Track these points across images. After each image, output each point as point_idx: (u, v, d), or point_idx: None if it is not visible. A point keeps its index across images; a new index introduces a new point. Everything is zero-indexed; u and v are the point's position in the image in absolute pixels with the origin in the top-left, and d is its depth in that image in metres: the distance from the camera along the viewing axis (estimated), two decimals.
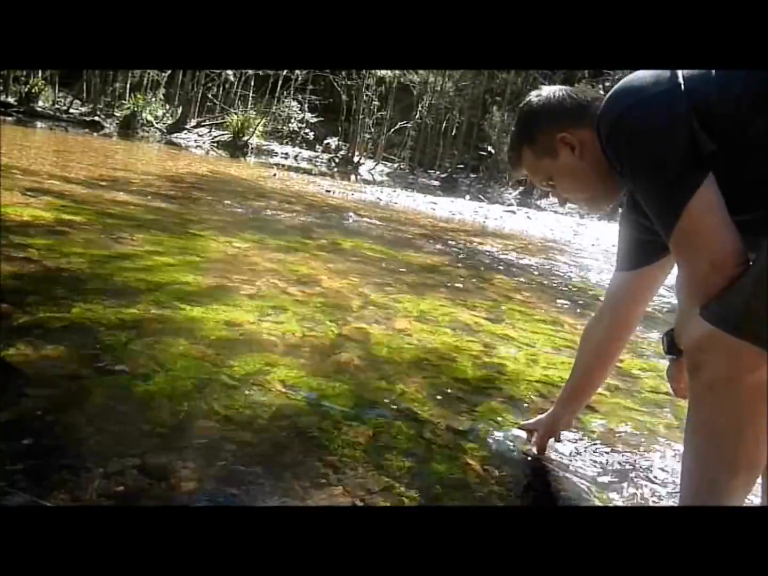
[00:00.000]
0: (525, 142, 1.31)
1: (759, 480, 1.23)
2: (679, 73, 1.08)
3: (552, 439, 1.64)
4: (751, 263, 1.04)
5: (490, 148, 22.88)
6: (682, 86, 1.07)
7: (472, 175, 23.37)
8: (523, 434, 1.69)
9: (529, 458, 1.61)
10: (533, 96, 1.32)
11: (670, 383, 1.30)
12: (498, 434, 1.71)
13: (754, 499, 1.35)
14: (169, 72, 22.58)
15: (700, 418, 1.10)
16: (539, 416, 1.66)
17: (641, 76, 1.12)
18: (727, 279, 1.03)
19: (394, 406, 1.76)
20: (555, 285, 4.46)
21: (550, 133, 1.26)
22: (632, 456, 1.70)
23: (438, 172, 23.74)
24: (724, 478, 1.07)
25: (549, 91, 1.31)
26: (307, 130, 25.29)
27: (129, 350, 1.81)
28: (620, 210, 1.43)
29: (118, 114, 20.62)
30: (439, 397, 1.89)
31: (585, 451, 1.69)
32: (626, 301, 1.43)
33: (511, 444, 1.67)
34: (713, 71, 1.07)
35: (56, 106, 20.12)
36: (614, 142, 1.14)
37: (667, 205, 1.08)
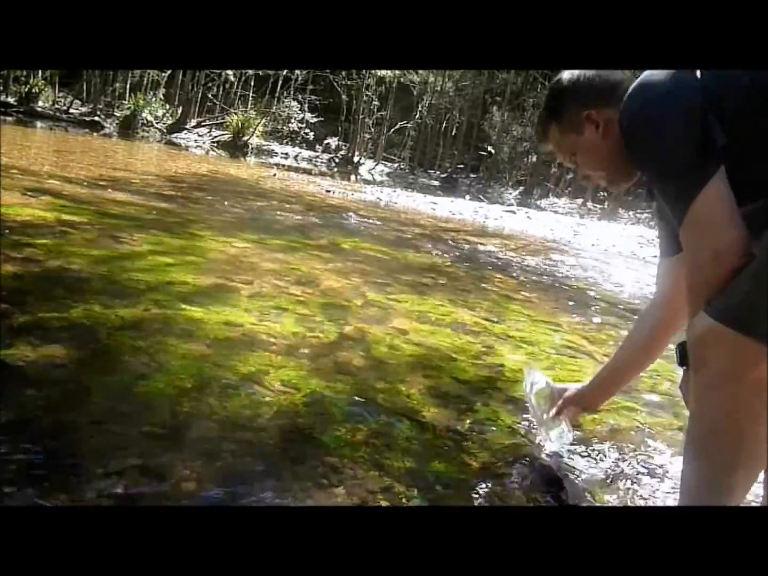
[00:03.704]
0: (552, 118, 1.35)
1: (760, 480, 1.23)
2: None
3: (568, 413, 1.60)
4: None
5: (490, 148, 22.88)
6: (698, 82, 1.09)
7: (472, 175, 23.37)
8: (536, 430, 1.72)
9: (529, 458, 1.61)
10: (564, 74, 1.35)
11: (682, 395, 1.29)
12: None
13: (754, 498, 1.35)
14: (169, 72, 22.56)
15: (701, 414, 1.10)
16: (573, 384, 1.64)
17: (660, 71, 1.15)
18: (729, 270, 1.04)
19: (394, 406, 1.76)
20: (555, 285, 4.46)
21: (576, 110, 1.30)
22: (632, 456, 1.70)
23: (438, 172, 23.73)
24: (724, 475, 1.07)
25: (579, 70, 1.33)
26: (307, 130, 25.26)
27: (129, 350, 1.81)
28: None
29: (118, 114, 20.60)
30: (439, 397, 1.89)
31: (585, 450, 1.69)
32: (674, 286, 1.42)
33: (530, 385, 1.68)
34: None
35: (56, 106, 20.09)
36: (632, 135, 1.17)
37: (679, 196, 1.10)
